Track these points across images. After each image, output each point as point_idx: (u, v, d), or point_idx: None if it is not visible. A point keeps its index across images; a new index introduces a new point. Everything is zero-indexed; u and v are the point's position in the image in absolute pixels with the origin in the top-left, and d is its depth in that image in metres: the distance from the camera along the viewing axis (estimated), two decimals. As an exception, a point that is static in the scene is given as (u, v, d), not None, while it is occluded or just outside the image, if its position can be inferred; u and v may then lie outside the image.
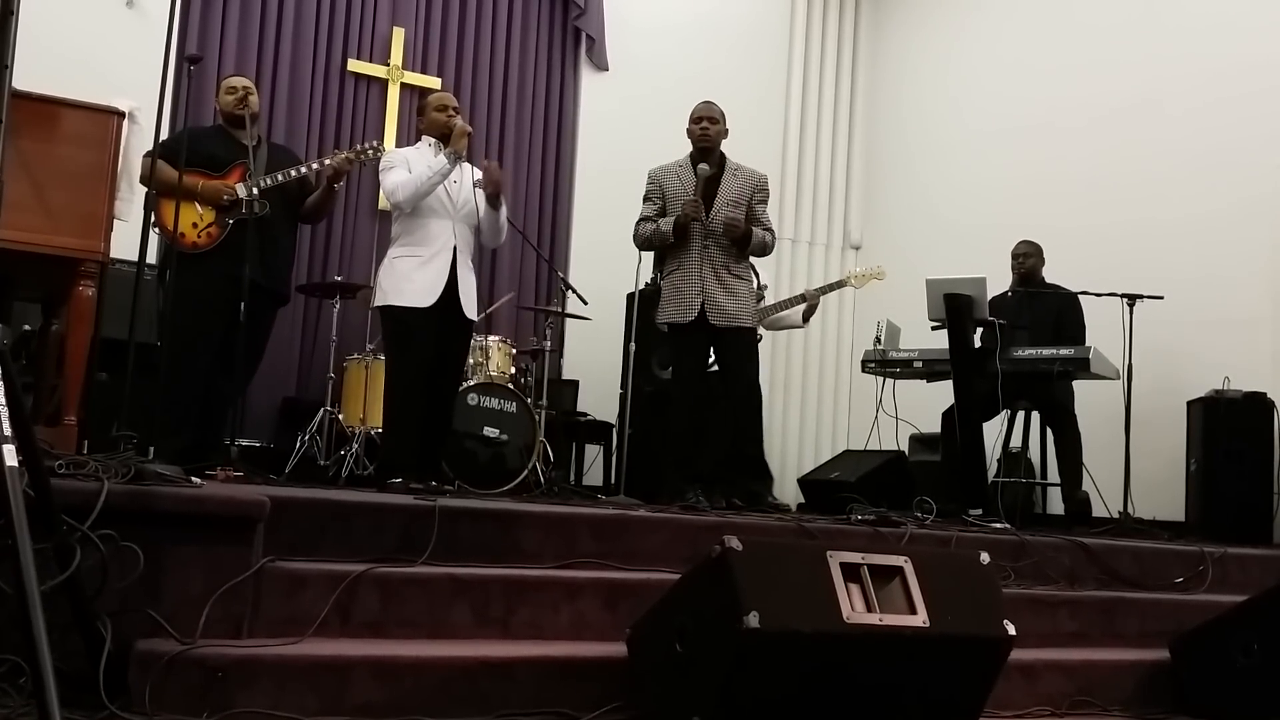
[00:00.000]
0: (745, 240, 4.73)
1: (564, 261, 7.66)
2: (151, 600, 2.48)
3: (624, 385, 6.30)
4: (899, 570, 2.67)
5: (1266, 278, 6.14)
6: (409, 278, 4.62)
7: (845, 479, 6.20)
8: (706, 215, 4.68)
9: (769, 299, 6.23)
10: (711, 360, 4.93)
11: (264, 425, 6.51)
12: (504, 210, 4.86)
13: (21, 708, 2.15)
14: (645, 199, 4.81)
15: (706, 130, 4.73)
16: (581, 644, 2.90)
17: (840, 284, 6.53)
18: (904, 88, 8.58)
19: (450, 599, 2.87)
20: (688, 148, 4.88)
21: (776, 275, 7.98)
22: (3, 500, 1.92)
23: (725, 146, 4.87)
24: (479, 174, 4.81)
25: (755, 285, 5.92)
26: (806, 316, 6.21)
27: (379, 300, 4.70)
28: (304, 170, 4.88)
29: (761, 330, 6.14)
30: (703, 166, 4.67)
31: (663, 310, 4.81)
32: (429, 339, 4.61)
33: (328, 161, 4.92)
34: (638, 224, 4.83)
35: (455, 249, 4.68)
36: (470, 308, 4.74)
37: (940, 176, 8.01)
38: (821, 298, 6.32)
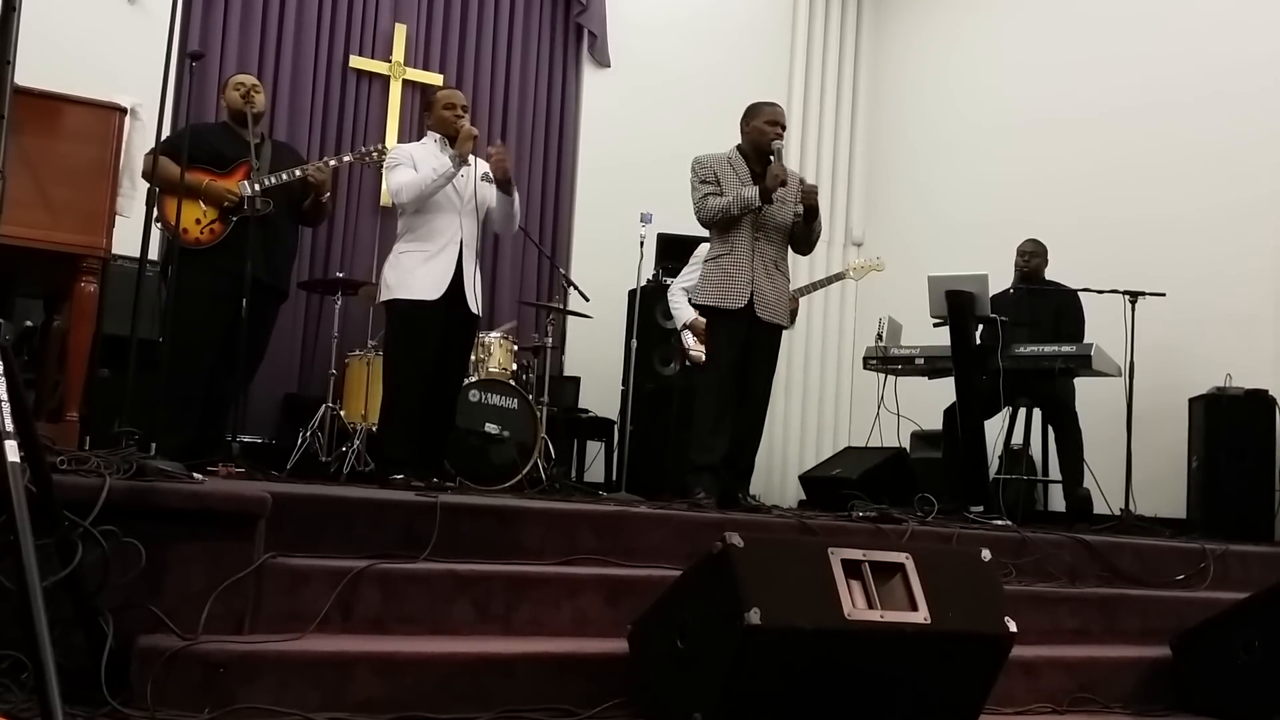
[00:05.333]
0: (815, 213, 4.75)
1: (565, 258, 7.66)
2: (153, 596, 2.48)
3: (625, 382, 6.31)
4: (900, 567, 2.67)
5: (1269, 275, 6.13)
6: (415, 272, 4.61)
7: (847, 476, 6.21)
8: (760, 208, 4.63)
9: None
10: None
11: (266, 421, 6.52)
12: (516, 197, 4.85)
13: (23, 703, 2.15)
14: (703, 181, 4.70)
15: (780, 135, 4.70)
16: (583, 640, 2.90)
17: (839, 276, 6.53)
18: (906, 84, 8.57)
19: (452, 595, 2.87)
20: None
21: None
22: (5, 496, 1.92)
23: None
24: (485, 168, 4.82)
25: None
26: (790, 318, 6.17)
27: (385, 295, 4.69)
28: (308, 170, 4.88)
29: None
30: (778, 143, 4.64)
31: (705, 292, 4.69)
32: (435, 333, 4.60)
33: (332, 162, 4.92)
34: (705, 198, 4.68)
35: (462, 243, 4.67)
36: (475, 302, 4.74)
37: (942, 173, 8.01)
38: (801, 298, 6.31)
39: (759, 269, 4.64)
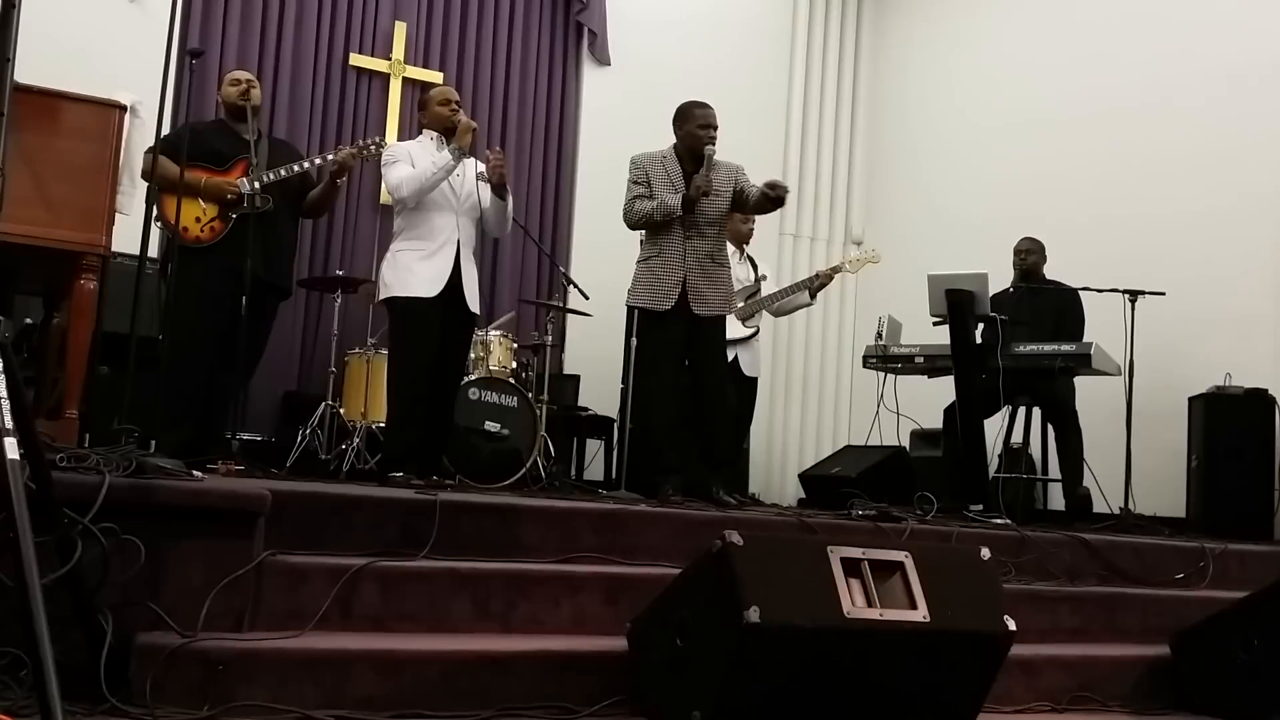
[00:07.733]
0: (742, 200, 4.78)
1: (565, 256, 7.65)
2: (152, 594, 2.48)
3: (625, 380, 6.29)
4: (900, 565, 2.67)
5: (1268, 274, 6.13)
6: (413, 269, 4.61)
7: (846, 474, 6.20)
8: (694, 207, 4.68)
9: (770, 288, 6.23)
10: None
11: (265, 419, 6.51)
12: (510, 201, 4.86)
13: (23, 700, 2.15)
14: (634, 182, 4.81)
15: (714, 139, 4.75)
16: (582, 638, 2.91)
17: (836, 269, 6.52)
18: (906, 82, 8.57)
19: (451, 593, 2.87)
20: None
21: (778, 270, 7.97)
22: (4, 493, 1.92)
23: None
24: (482, 167, 4.81)
25: (754, 276, 5.96)
26: (814, 293, 6.21)
27: (383, 293, 4.70)
28: (307, 165, 4.88)
29: (767, 316, 6.16)
30: (709, 148, 4.69)
31: (636, 294, 4.80)
32: (433, 330, 4.60)
33: (331, 157, 4.92)
34: (633, 201, 4.79)
35: (459, 242, 4.67)
36: (473, 301, 4.74)
37: (942, 171, 8.00)
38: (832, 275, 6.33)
39: (693, 267, 4.70)
